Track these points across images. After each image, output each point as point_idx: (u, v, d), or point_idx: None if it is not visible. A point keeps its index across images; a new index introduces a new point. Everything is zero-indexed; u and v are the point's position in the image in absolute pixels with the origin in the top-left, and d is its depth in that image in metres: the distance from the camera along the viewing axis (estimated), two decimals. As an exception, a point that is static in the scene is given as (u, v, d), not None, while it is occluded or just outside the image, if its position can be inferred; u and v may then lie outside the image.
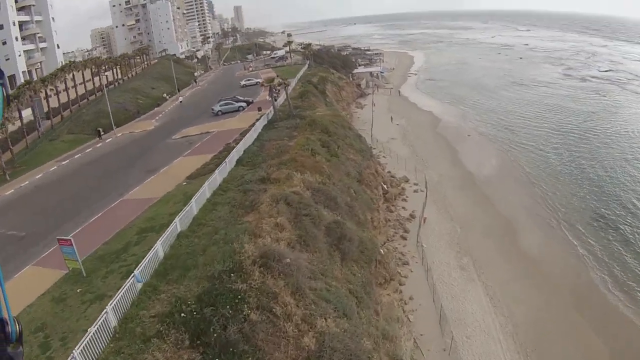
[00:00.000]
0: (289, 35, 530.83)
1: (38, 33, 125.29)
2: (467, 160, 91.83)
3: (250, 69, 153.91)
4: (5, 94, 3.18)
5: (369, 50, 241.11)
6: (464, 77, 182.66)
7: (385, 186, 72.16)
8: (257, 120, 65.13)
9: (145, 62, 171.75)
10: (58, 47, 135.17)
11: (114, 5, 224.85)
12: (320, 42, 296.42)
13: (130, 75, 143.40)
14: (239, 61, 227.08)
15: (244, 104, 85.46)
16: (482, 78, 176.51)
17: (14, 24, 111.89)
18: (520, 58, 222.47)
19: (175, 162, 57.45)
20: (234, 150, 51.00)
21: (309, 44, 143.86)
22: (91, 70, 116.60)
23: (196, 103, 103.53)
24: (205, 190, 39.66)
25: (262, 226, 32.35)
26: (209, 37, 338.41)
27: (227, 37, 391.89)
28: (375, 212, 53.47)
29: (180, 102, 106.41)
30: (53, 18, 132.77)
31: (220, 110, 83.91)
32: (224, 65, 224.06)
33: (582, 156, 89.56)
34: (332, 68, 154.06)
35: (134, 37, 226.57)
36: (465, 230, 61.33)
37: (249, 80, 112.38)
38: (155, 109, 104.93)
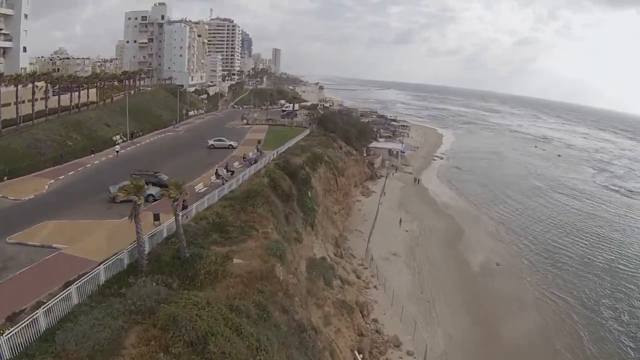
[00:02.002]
0: (321, 87, 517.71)
1: (1, 29, 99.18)
2: (494, 315, 60.29)
3: (245, 121, 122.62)
4: None
5: (395, 120, 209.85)
6: (495, 171, 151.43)
7: (359, 356, 43.73)
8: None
9: (136, 88, 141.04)
10: (25, 50, 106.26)
11: (129, 18, 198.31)
12: (344, 102, 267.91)
13: (106, 101, 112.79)
14: (251, 105, 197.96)
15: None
16: (516, 177, 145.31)
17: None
18: (559, 156, 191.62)
19: None
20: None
21: (316, 105, 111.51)
22: (46, 84, 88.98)
23: (134, 159, 72.01)
24: None
25: None
26: (233, 74, 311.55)
27: (254, 78, 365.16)
28: None
29: (117, 153, 74.99)
30: (26, 15, 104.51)
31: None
32: (233, 107, 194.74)
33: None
34: (344, 138, 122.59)
35: (144, 57, 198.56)
36: None
37: (219, 140, 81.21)
38: (81, 159, 72.61)
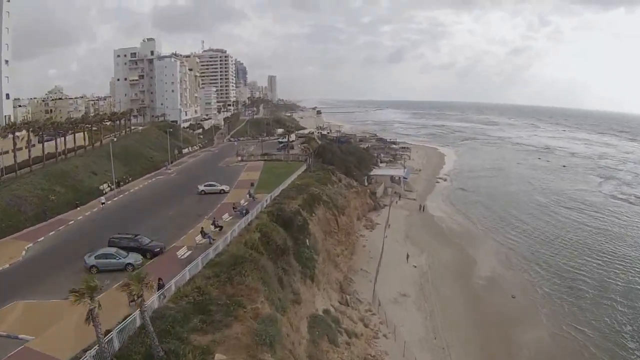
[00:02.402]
0: (319, 112, 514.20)
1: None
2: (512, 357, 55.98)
3: (240, 158, 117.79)
4: None
5: (394, 143, 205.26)
6: (501, 190, 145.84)
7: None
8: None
9: (127, 128, 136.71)
10: (7, 97, 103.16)
11: (118, 56, 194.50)
12: (342, 128, 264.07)
13: (95, 145, 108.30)
14: (248, 137, 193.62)
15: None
16: (521, 194, 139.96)
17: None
18: (564, 166, 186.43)
19: None
20: None
21: (312, 139, 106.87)
22: (28, 133, 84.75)
23: (119, 212, 67.38)
24: None
25: None
26: (229, 105, 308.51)
27: (250, 107, 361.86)
28: None
29: (102, 205, 70.50)
30: (7, 61, 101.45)
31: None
32: (229, 141, 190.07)
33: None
34: (343, 168, 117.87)
35: (136, 94, 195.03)
36: None
37: (210, 186, 75.98)
38: (65, 214, 67.72)
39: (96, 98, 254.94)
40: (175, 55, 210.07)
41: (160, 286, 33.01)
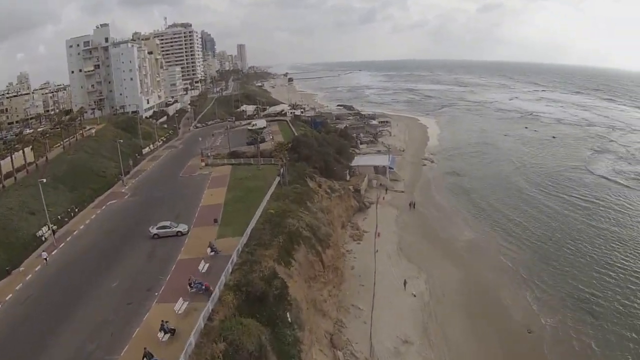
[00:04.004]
0: (290, 79, 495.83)
1: None
2: None
3: (204, 163, 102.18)
4: None
5: (373, 118, 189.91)
6: (493, 169, 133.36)
7: None
8: None
9: (79, 133, 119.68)
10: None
11: (70, 46, 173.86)
12: (316, 100, 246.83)
13: (37, 165, 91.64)
14: (214, 122, 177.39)
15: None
16: (517, 176, 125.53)
17: None
18: (553, 137, 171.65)
19: None
20: None
21: (284, 144, 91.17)
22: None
23: (51, 287, 51.04)
24: None
25: None
26: (196, 82, 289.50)
27: (219, 82, 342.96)
28: None
29: (45, 261, 56.25)
30: None
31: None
32: (197, 127, 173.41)
33: None
34: (322, 163, 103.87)
35: (92, 86, 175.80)
36: None
37: (164, 228, 60.11)
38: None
39: (56, 89, 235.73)
40: (133, 39, 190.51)
41: None
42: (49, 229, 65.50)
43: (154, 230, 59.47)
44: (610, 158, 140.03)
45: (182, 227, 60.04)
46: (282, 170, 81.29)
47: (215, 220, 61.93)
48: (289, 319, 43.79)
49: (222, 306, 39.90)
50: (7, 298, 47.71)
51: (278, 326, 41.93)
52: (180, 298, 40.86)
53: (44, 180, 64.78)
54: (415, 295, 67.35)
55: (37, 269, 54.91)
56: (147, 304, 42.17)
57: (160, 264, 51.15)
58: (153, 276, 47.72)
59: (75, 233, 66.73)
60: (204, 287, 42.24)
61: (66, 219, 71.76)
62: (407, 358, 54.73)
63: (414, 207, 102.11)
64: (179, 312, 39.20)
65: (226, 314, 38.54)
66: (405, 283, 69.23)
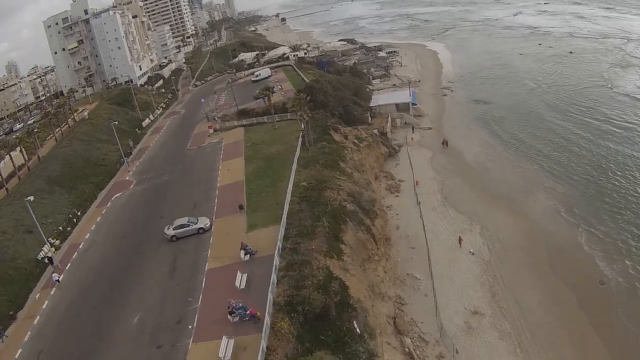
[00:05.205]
0: (283, 19, 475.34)
1: None
2: None
3: (212, 129, 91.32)
4: None
5: (380, 50, 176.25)
6: (517, 94, 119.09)
7: None
8: None
9: (71, 118, 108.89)
10: None
11: (49, 26, 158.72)
12: (317, 43, 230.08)
13: (29, 167, 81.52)
14: (216, 74, 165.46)
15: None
16: (544, 99, 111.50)
17: None
18: (570, 53, 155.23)
19: None
20: None
21: (302, 96, 78.42)
22: None
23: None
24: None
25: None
26: (188, 38, 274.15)
27: (212, 32, 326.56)
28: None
29: (58, 282, 48.05)
30: None
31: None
32: (196, 86, 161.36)
33: None
34: (341, 109, 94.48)
35: (79, 62, 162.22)
36: None
37: (182, 227, 49.60)
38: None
39: (43, 72, 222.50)
40: (114, 6, 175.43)
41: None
42: (51, 246, 55.79)
43: (170, 232, 49.32)
44: (634, 73, 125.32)
45: (203, 222, 49.87)
46: (304, 129, 70.35)
47: (241, 207, 51.55)
48: (357, 330, 34.45)
49: (277, 338, 30.42)
50: (15, 357, 38.07)
51: (347, 344, 32.83)
52: (224, 336, 31.03)
53: (31, 198, 53.30)
54: (473, 253, 57.99)
55: (44, 306, 45.06)
56: (181, 346, 32.68)
57: (186, 279, 41.24)
58: (181, 300, 37.95)
59: (81, 247, 56.16)
60: (248, 313, 32.53)
61: (69, 228, 61.67)
62: (482, 334, 45.90)
63: (447, 146, 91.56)
64: (226, 357, 29.46)
65: (287, 351, 28.79)
66: (460, 240, 59.52)
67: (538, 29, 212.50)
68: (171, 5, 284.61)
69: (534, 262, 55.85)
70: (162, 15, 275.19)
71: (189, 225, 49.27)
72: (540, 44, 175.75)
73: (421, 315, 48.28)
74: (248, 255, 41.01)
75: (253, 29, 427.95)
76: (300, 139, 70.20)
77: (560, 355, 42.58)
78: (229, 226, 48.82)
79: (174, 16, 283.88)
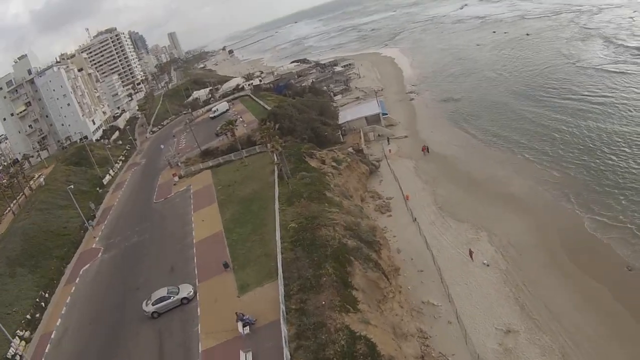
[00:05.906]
0: (230, 51, 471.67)
1: None
2: None
3: (177, 176, 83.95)
4: None
5: (336, 65, 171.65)
6: (484, 86, 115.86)
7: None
8: None
9: (24, 190, 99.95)
10: None
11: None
12: (270, 68, 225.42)
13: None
14: (172, 117, 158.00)
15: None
16: (511, 87, 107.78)
17: None
18: (527, 35, 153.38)
19: None
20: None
21: (269, 126, 72.08)
22: None
23: None
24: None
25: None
26: (138, 84, 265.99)
27: (162, 75, 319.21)
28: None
29: None
30: None
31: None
32: (153, 132, 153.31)
33: None
34: (309, 132, 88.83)
35: (30, 126, 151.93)
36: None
37: (161, 300, 41.86)
38: None
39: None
40: (58, 62, 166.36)
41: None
42: (20, 340, 47.37)
43: (150, 308, 41.31)
44: (595, 44, 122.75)
45: (186, 291, 42.19)
46: (278, 160, 63.59)
47: (226, 265, 43.90)
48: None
49: None
50: None
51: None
52: None
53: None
54: (488, 265, 52.35)
55: None
56: None
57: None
58: None
59: (53, 336, 47.53)
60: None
61: (38, 315, 52.89)
62: (522, 353, 40.13)
63: (428, 152, 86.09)
64: None
65: None
66: (471, 253, 53.47)
67: (488, 17, 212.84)
68: (117, 53, 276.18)
69: (553, 261, 50.97)
70: (109, 65, 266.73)
71: (169, 297, 41.56)
72: (494, 32, 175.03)
73: (450, 346, 42.30)
74: (247, 327, 33.65)
75: (202, 65, 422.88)
76: (275, 173, 63.21)
77: (610, 356, 37.64)
78: (216, 290, 41.46)
79: (122, 64, 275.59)
